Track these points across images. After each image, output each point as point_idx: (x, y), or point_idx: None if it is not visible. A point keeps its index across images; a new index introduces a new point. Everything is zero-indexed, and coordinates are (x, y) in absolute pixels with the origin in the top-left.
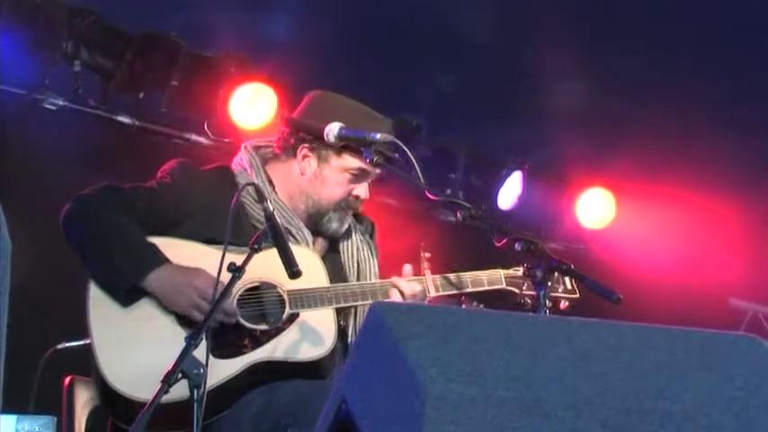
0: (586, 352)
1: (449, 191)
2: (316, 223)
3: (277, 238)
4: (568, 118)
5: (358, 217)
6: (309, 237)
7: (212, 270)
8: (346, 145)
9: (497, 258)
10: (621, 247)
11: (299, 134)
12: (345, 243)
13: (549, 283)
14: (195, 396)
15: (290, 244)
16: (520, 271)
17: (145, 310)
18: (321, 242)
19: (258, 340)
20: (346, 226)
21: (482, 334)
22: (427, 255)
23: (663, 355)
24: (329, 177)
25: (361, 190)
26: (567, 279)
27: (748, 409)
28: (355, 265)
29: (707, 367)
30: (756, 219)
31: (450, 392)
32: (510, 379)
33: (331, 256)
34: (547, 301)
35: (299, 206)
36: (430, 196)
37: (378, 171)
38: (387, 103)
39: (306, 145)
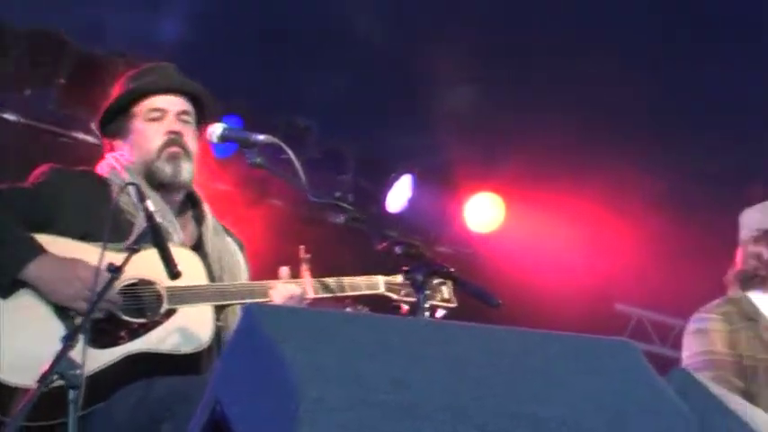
0: (465, 356)
1: (338, 193)
2: (153, 179)
3: (157, 238)
4: (459, 123)
5: (230, 234)
6: (178, 226)
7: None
8: (132, 98)
9: (383, 261)
10: (510, 251)
11: (101, 131)
12: (206, 237)
13: (429, 291)
14: (71, 396)
15: (170, 245)
16: (399, 278)
17: (22, 301)
18: (189, 227)
19: (135, 332)
20: (186, 168)
21: (360, 337)
22: (307, 257)
23: (540, 360)
24: (137, 137)
25: (168, 124)
26: (444, 288)
27: (622, 413)
28: (217, 254)
29: (583, 372)
30: (643, 225)
31: (328, 395)
32: (388, 382)
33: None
34: (426, 305)
35: (141, 180)
36: (311, 198)
37: (179, 100)
38: (278, 105)
39: (105, 137)
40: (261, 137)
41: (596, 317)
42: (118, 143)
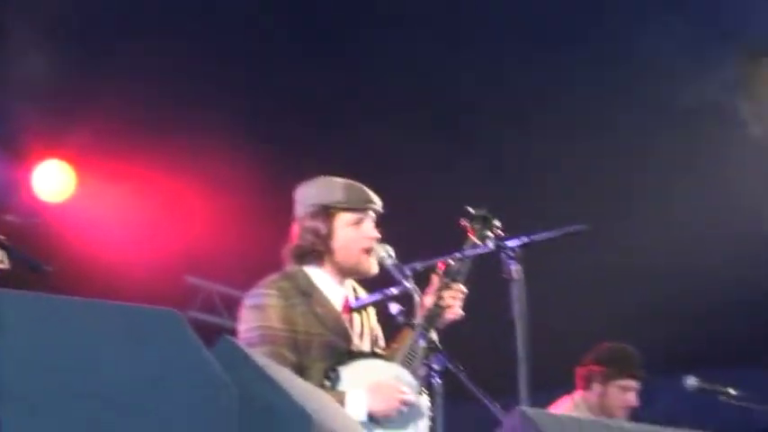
0: (6, 324)
1: None
2: None
3: None
4: (28, 88)
5: None
6: None
7: None
8: None
9: None
10: (81, 221)
11: None
12: None
13: None
14: None
15: None
16: None
17: None
18: None
19: None
20: None
21: None
22: None
23: (83, 329)
24: None
25: None
26: None
27: (161, 382)
28: None
29: (127, 340)
30: (218, 199)
31: None
32: None
33: None
34: None
35: None
36: None
37: None
38: None
39: None
40: None
41: (165, 289)
42: None
